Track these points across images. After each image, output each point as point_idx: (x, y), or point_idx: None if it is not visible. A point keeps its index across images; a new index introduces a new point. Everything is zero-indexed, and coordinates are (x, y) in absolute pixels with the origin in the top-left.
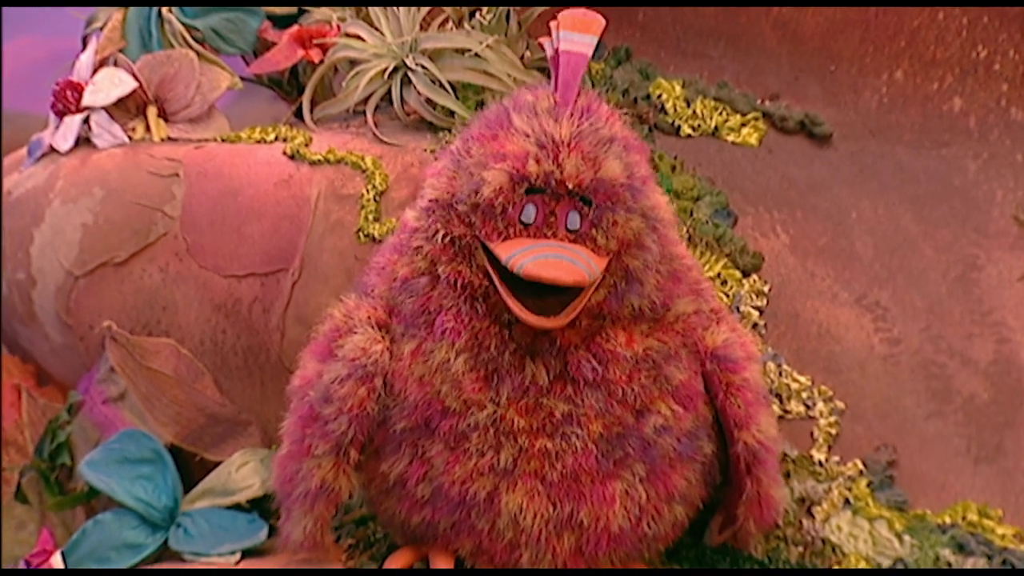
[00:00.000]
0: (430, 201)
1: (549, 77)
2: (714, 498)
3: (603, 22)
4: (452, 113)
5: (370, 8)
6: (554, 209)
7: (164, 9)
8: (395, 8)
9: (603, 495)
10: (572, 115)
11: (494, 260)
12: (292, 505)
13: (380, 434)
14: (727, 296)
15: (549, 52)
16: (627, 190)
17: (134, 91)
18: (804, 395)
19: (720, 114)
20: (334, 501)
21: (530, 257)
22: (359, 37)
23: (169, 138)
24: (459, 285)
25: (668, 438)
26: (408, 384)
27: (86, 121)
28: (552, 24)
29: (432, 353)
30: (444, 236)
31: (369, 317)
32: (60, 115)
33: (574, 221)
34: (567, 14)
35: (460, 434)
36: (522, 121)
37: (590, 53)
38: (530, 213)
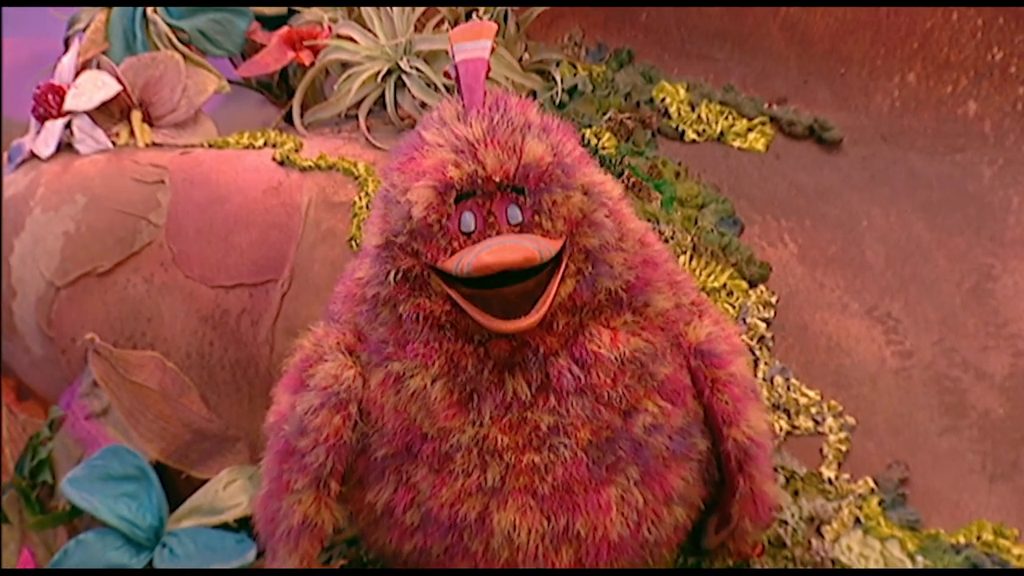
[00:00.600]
0: (374, 247)
1: (547, 79)
2: (715, 497)
3: (494, 27)
4: None
5: (363, 9)
6: (491, 208)
7: (149, 10)
8: (389, 9)
9: (598, 503)
10: (481, 114)
11: (449, 279)
12: (276, 545)
13: (361, 463)
14: (733, 308)
15: (450, 69)
16: (557, 167)
17: (118, 95)
18: (813, 410)
19: (726, 118)
20: (318, 536)
21: (474, 252)
22: (351, 39)
23: (154, 143)
24: (422, 318)
25: (659, 437)
26: (384, 412)
27: (68, 126)
28: (447, 49)
29: (405, 381)
30: (395, 274)
31: (338, 343)
32: (41, 120)
33: (514, 214)
34: (456, 30)
35: (444, 456)
36: (433, 134)
37: (486, 55)
38: (468, 221)
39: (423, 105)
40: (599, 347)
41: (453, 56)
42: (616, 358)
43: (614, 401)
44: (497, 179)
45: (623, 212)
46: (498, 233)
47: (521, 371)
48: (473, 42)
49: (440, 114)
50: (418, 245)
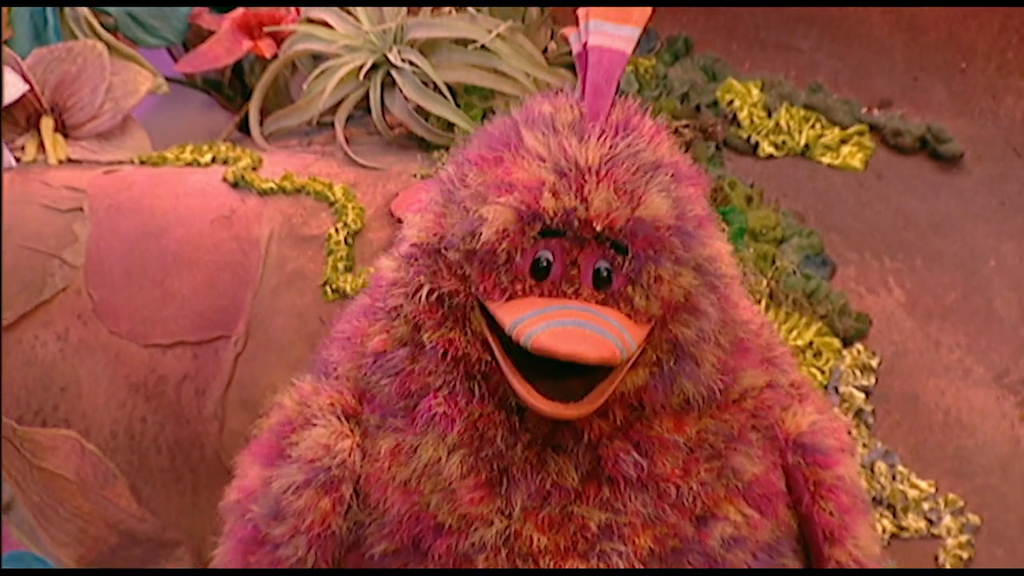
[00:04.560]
0: (412, 246)
1: (574, 72)
2: None
3: (647, 10)
4: (450, 126)
5: None
6: (576, 259)
7: None
8: None
9: None
10: (604, 133)
11: (495, 326)
12: None
13: (352, 560)
14: (821, 372)
15: (575, 48)
16: (676, 235)
17: (23, 97)
18: (926, 506)
19: (812, 127)
20: None
21: (542, 324)
22: (326, 24)
23: (70, 160)
24: (450, 358)
25: (741, 553)
26: (388, 493)
27: None
28: (580, 12)
29: (418, 450)
30: (430, 293)
31: (332, 404)
32: None
33: (604, 275)
34: (596, 9)
35: (461, 557)
36: (536, 140)
37: (629, 50)
38: (544, 264)
39: (418, 109)
40: (661, 432)
41: (585, 32)
42: (684, 443)
43: (684, 500)
44: (598, 227)
45: (731, 299)
46: (576, 292)
47: (565, 451)
48: (618, 25)
49: (552, 111)
50: (472, 270)
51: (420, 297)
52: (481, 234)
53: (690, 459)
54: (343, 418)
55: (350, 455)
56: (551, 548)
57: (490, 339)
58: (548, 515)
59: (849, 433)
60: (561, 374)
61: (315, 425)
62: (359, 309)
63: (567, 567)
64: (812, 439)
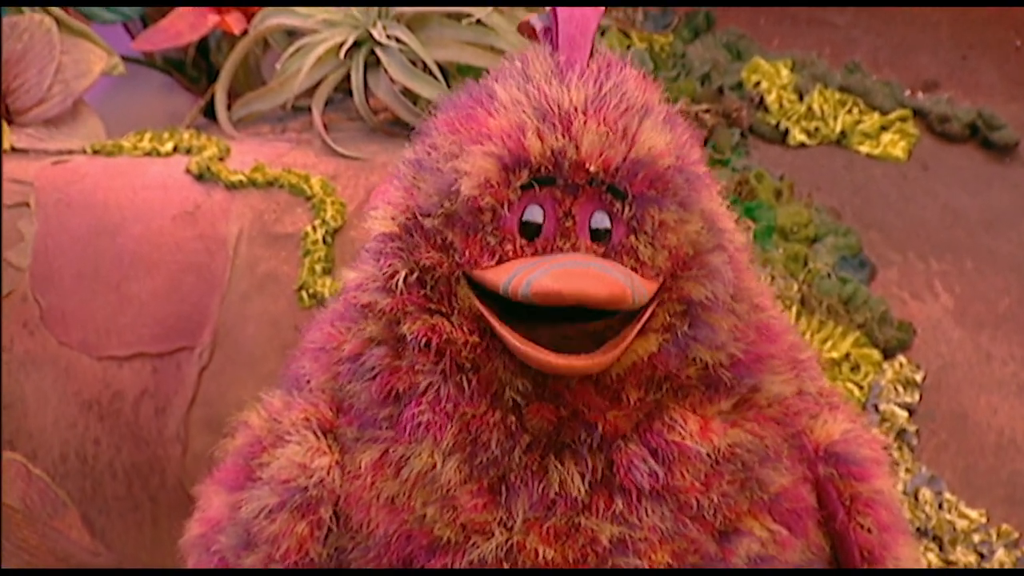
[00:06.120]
0: (379, 238)
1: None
2: None
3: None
4: None
5: None
6: (570, 209)
7: None
8: None
9: None
10: (585, 75)
11: (487, 297)
12: None
13: None
14: (859, 388)
15: (540, 24)
16: (678, 175)
17: None
18: (976, 538)
19: (849, 112)
20: None
21: (540, 270)
22: None
23: (14, 149)
24: (434, 348)
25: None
26: (374, 512)
27: None
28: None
29: (407, 461)
30: (408, 274)
31: (307, 419)
32: None
33: (602, 225)
34: None
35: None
36: (512, 89)
37: (601, 10)
38: (535, 217)
39: (405, 92)
40: (683, 437)
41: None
42: (709, 454)
43: (706, 514)
44: (592, 168)
45: (742, 265)
46: (573, 247)
47: (572, 455)
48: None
49: (523, 67)
50: (454, 236)
51: (396, 284)
52: (460, 190)
53: (713, 472)
54: (320, 433)
55: (328, 474)
56: (558, 561)
57: (483, 311)
58: (553, 526)
59: (886, 449)
60: (566, 341)
61: (288, 442)
62: (331, 315)
63: None
64: (846, 449)
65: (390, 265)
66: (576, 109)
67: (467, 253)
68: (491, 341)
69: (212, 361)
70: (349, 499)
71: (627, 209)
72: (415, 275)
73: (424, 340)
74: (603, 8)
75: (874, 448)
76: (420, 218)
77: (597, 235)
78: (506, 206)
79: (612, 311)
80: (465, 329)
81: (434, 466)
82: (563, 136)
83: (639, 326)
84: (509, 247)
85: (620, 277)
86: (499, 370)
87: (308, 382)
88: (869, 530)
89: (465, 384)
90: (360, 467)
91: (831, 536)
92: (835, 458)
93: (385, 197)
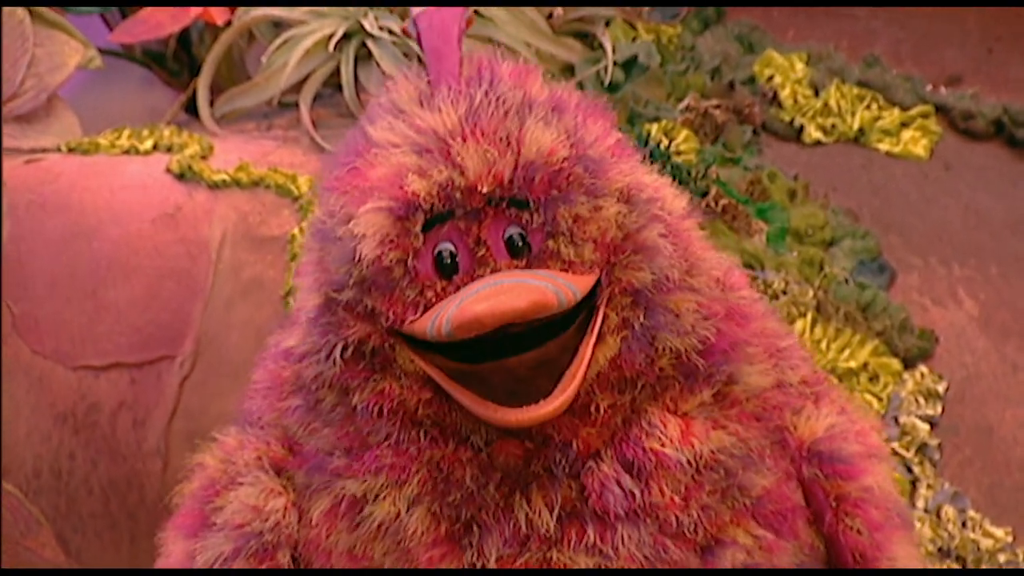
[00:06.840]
0: (312, 308)
1: (591, 46)
2: None
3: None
4: None
5: None
6: (479, 235)
7: None
8: None
9: None
10: (454, 92)
11: (426, 348)
12: None
13: None
14: (878, 399)
15: (413, 31)
16: (577, 164)
17: None
18: (1002, 558)
19: (868, 108)
20: None
21: (454, 304)
22: None
23: None
24: (387, 413)
25: None
26: (333, 559)
27: None
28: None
29: (367, 507)
30: (343, 350)
31: (259, 458)
32: None
33: (516, 241)
34: None
35: None
36: (384, 130)
37: (462, 10)
38: (446, 256)
39: None
40: (662, 443)
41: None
42: (689, 462)
43: (686, 531)
44: (484, 189)
45: (689, 235)
46: (493, 271)
47: (540, 488)
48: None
49: (392, 98)
50: (373, 302)
51: (334, 359)
52: (362, 254)
53: (694, 483)
54: (272, 472)
55: (284, 516)
56: None
57: (428, 370)
58: (526, 563)
59: (880, 435)
60: (519, 381)
61: (241, 484)
62: (277, 354)
63: None
64: (830, 446)
65: (325, 338)
66: (452, 134)
67: (391, 314)
68: (445, 394)
69: (194, 371)
70: (307, 544)
71: (536, 216)
72: (350, 349)
73: (376, 407)
74: (463, 8)
75: (863, 441)
76: (335, 293)
77: (515, 251)
78: (412, 255)
79: (554, 327)
80: (415, 388)
81: (397, 515)
82: (446, 166)
83: (592, 338)
84: (431, 293)
85: (538, 283)
86: (459, 422)
87: (259, 419)
88: (859, 531)
89: (428, 431)
90: (313, 516)
91: (823, 537)
92: (819, 457)
93: (305, 270)
